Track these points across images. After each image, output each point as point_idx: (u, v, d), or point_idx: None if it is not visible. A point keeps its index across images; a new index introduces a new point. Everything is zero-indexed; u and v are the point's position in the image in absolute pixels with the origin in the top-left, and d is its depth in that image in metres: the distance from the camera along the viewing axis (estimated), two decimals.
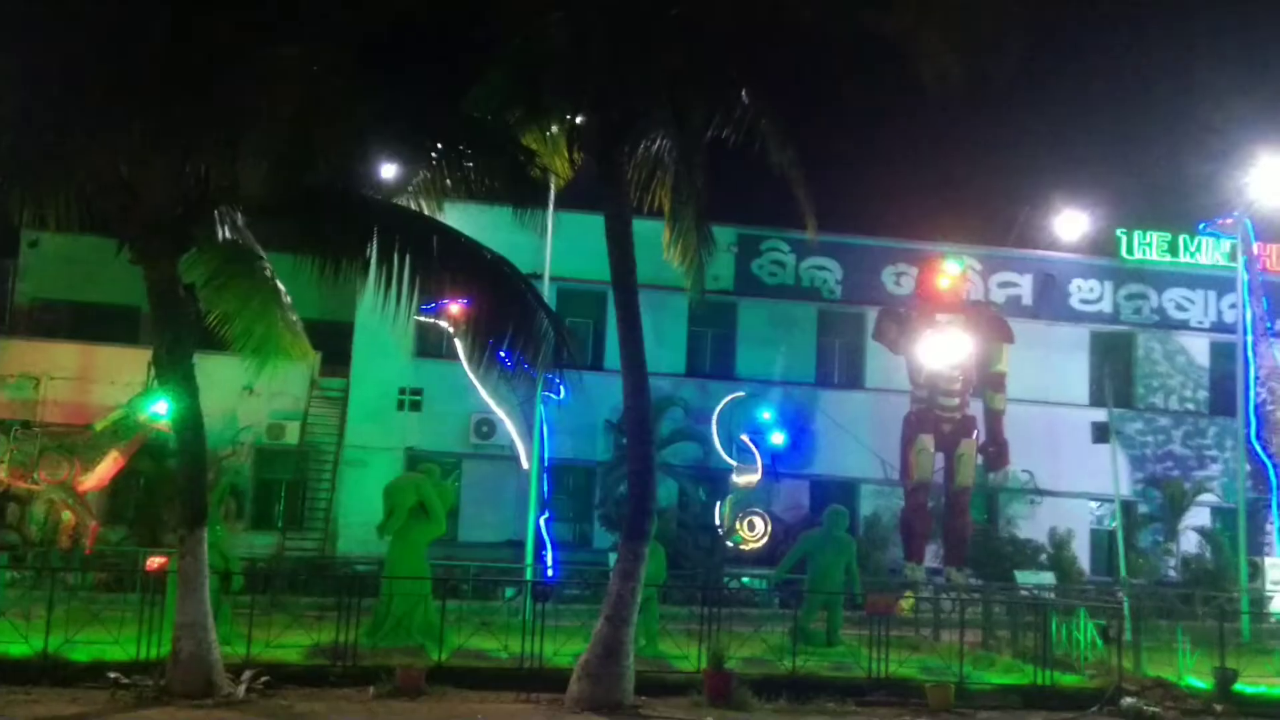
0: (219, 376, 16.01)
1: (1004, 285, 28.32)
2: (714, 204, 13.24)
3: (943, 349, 24.02)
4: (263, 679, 11.26)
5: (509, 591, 19.62)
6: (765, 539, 23.44)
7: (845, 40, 12.30)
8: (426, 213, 11.69)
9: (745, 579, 22.27)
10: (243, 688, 10.97)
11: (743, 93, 12.40)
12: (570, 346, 12.02)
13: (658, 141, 12.46)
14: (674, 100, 11.87)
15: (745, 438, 24.44)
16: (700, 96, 12.01)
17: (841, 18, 11.49)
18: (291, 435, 23.87)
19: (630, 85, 11.57)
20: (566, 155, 12.84)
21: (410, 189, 11.93)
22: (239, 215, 11.45)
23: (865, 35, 12.11)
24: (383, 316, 11.06)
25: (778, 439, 24.98)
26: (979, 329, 24.53)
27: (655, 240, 13.02)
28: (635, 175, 12.55)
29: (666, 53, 11.32)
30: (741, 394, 25.14)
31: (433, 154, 11.53)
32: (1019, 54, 12.37)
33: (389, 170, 12.59)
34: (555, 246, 19.67)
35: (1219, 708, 12.48)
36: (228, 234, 11.43)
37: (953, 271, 24.99)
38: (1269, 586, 20.85)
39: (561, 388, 20.57)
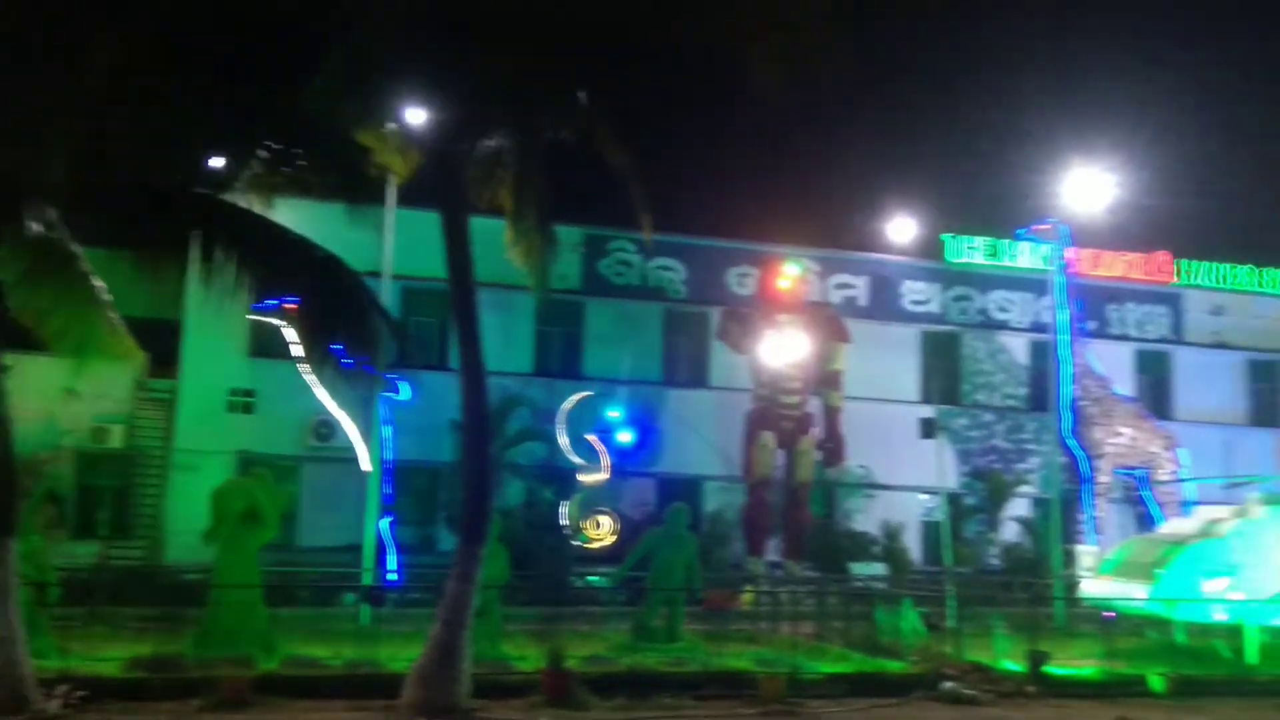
0: (37, 378, 15.20)
1: (841, 287, 29.28)
2: (560, 204, 13.23)
3: (783, 348, 24.66)
4: (79, 693, 10.75)
5: (349, 597, 19.23)
6: (612, 537, 23.62)
7: (683, 45, 12.50)
8: (257, 209, 11.35)
9: (592, 578, 22.39)
10: (56, 703, 10.46)
11: (580, 95, 12.45)
12: (407, 345, 11.86)
13: (497, 141, 12.41)
14: (511, 100, 11.83)
15: (592, 437, 24.55)
16: (537, 97, 12.00)
17: (675, 22, 11.65)
18: (116, 439, 22.82)
19: (466, 84, 11.50)
20: (403, 153, 12.65)
21: (239, 184, 11.56)
22: (51, 211, 10.87)
23: (701, 41, 12.33)
24: (212, 315, 10.72)
25: (625, 437, 25.20)
26: (817, 329, 25.28)
27: (502, 239, 12.97)
28: (475, 174, 12.47)
29: (502, 53, 11.27)
30: (589, 393, 25.25)
31: (261, 149, 11.18)
32: (846, 63, 12.78)
33: (218, 164, 12.17)
34: (400, 244, 19.43)
35: (1030, 689, 13.21)
36: (39, 230, 10.84)
37: (792, 273, 25.68)
38: (1081, 572, 22.11)
39: (403, 387, 20.28)
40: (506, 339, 23.90)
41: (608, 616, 17.09)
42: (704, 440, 26.66)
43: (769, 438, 24.74)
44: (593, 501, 24.08)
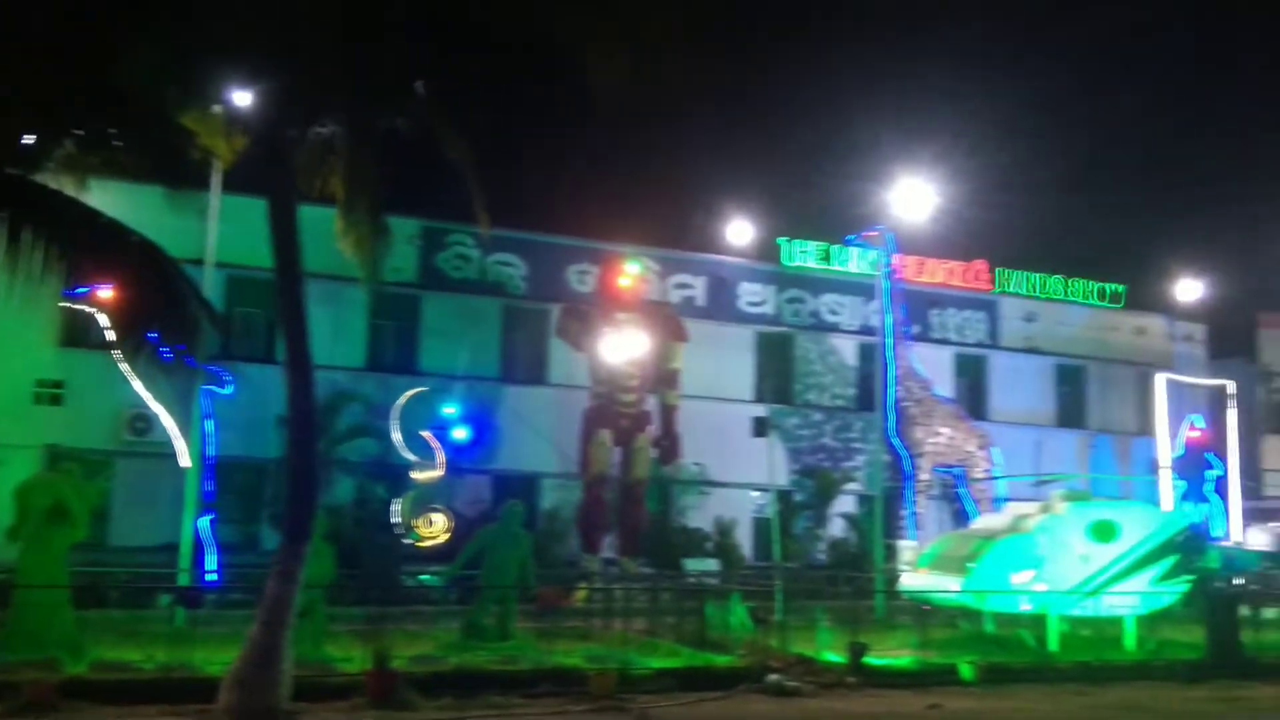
0: None
1: (680, 286, 29.69)
2: (396, 194, 12.95)
3: (622, 346, 24.82)
4: None
5: (164, 599, 18.36)
6: (446, 535, 23.27)
7: (526, 41, 12.44)
8: (70, 191, 10.70)
9: (423, 576, 22.02)
10: None
11: (417, 84, 12.23)
12: (230, 336, 11.40)
13: (329, 127, 12.05)
14: (344, 86, 11.51)
15: (427, 433, 24.14)
16: (372, 84, 11.71)
17: (517, 19, 11.58)
18: None
19: (297, 67, 11.14)
20: (229, 137, 12.15)
21: (51, 164, 10.89)
22: None
23: (544, 38, 12.30)
24: (19, 302, 10.04)
25: (460, 434, 24.89)
26: (656, 328, 25.54)
27: (333, 228, 12.59)
28: (305, 160, 12.08)
29: (335, 36, 10.96)
30: (424, 389, 24.82)
31: (74, 128, 10.56)
32: (687, 66, 12.97)
33: (29, 142, 11.42)
34: (227, 231, 18.67)
35: (851, 679, 13.68)
36: None
37: (633, 272, 25.86)
38: (901, 566, 23.03)
39: (226, 380, 19.52)
40: (338, 332, 23.31)
41: (438, 616, 16.84)
42: (541, 437, 26.61)
43: (606, 435, 24.87)
44: (426, 499, 23.66)
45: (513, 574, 15.79)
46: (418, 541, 23.25)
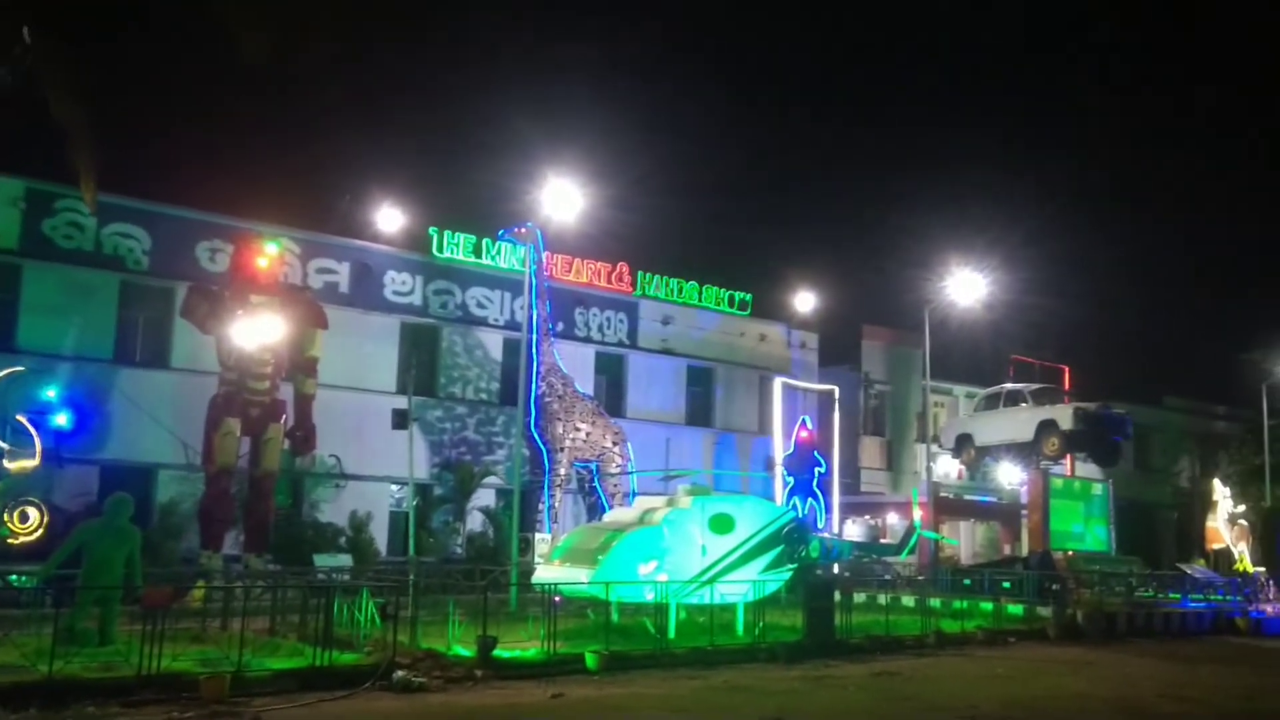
0: None
1: (322, 271, 28.60)
2: None
3: (255, 331, 23.41)
4: None
5: None
6: (40, 532, 20.98)
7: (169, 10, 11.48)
8: None
9: (12, 578, 19.71)
10: None
11: (24, 30, 10.92)
12: None
13: None
14: None
15: (22, 418, 21.65)
16: None
17: None
18: None
19: None
20: None
21: None
22: None
23: (189, 8, 11.42)
24: None
25: (62, 420, 22.53)
26: (294, 313, 24.33)
27: None
28: None
29: None
30: (21, 368, 22.26)
31: None
32: (337, 49, 12.49)
33: None
34: None
35: (479, 673, 13.71)
36: None
37: (270, 253, 24.42)
38: (536, 559, 23.44)
39: None
40: None
41: (30, 620, 15.11)
42: (160, 425, 24.68)
43: (234, 424, 23.34)
44: (19, 491, 21.22)
45: (117, 573, 14.51)
46: (7, 538, 20.82)
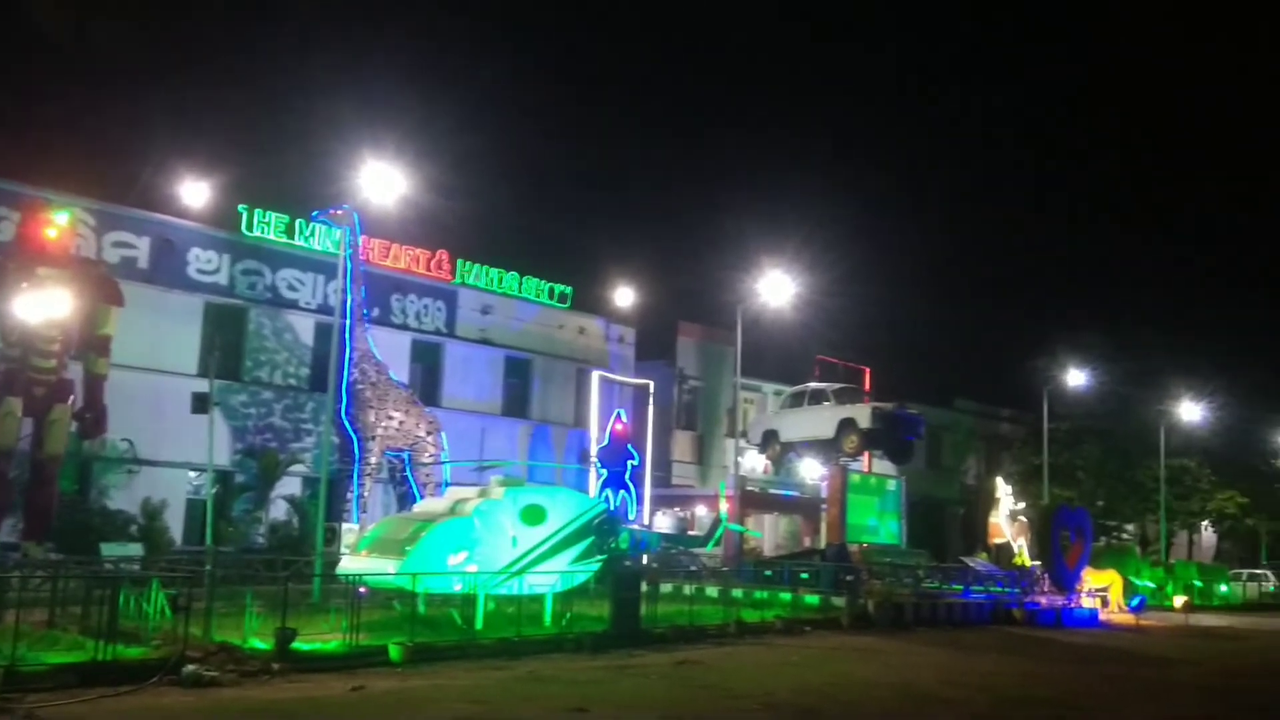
0: None
1: (119, 245, 27.08)
2: None
3: (41, 305, 21.97)
4: None
5: None
6: None
7: None
8: None
9: None
10: None
11: None
12: None
13: None
14: None
15: None
16: None
17: None
18: None
19: None
20: None
21: None
22: None
23: None
24: None
25: None
26: (85, 287, 22.96)
27: None
28: None
29: None
30: None
31: None
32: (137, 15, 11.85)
33: None
34: None
35: (276, 666, 13.31)
36: None
37: (60, 223, 22.98)
38: (343, 550, 22.88)
39: None
40: None
41: None
42: None
43: (15, 404, 21.90)
44: None
45: None
46: None
